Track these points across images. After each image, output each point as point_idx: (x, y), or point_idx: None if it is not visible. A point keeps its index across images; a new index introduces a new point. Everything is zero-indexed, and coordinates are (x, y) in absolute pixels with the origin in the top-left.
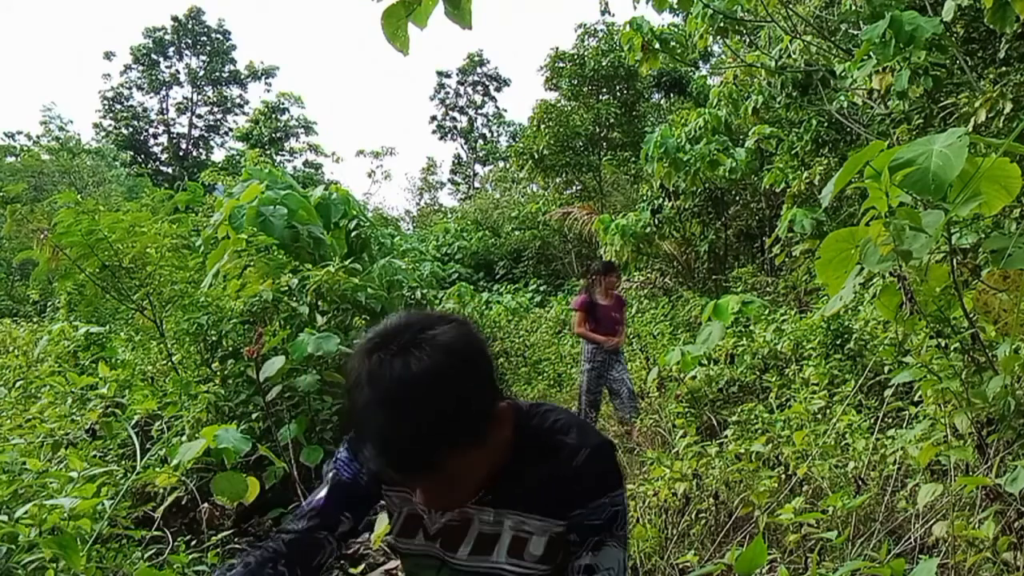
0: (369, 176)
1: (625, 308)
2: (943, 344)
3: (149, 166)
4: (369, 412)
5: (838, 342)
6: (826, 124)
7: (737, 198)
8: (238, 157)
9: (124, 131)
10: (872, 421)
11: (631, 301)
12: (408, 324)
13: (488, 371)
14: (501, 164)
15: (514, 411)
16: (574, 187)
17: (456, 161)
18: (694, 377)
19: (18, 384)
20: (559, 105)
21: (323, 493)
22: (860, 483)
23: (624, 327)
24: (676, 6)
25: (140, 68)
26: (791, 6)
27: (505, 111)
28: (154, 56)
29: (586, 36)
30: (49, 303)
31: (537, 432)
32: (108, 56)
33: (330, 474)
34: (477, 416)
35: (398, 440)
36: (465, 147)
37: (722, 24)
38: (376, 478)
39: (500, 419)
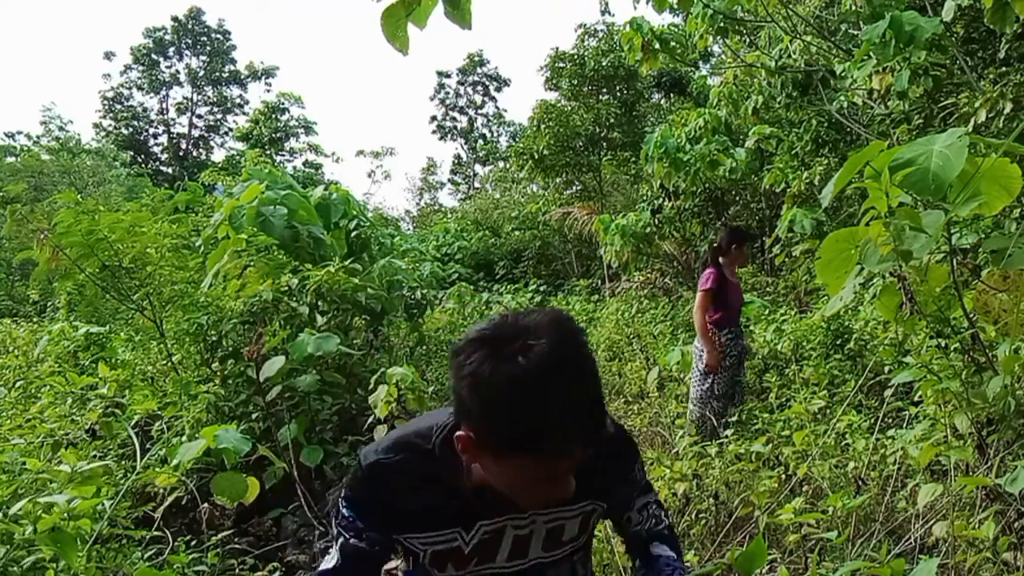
0: (369, 176)
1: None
2: (943, 344)
3: (149, 166)
4: (553, 385)
5: (838, 342)
6: (826, 124)
7: (737, 198)
8: (238, 157)
9: (124, 131)
10: (872, 421)
11: (631, 301)
12: (527, 317)
13: None
14: (501, 164)
15: None
16: (574, 187)
17: (456, 161)
18: None
19: (18, 384)
20: (559, 105)
21: (333, 563)
22: (860, 483)
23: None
24: (676, 6)
25: (140, 68)
26: (791, 6)
27: (505, 111)
28: (154, 56)
29: (586, 36)
30: (49, 303)
31: None
32: (108, 56)
33: (339, 541)
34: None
35: (586, 403)
36: (465, 147)
37: (722, 24)
38: (388, 532)
39: None
